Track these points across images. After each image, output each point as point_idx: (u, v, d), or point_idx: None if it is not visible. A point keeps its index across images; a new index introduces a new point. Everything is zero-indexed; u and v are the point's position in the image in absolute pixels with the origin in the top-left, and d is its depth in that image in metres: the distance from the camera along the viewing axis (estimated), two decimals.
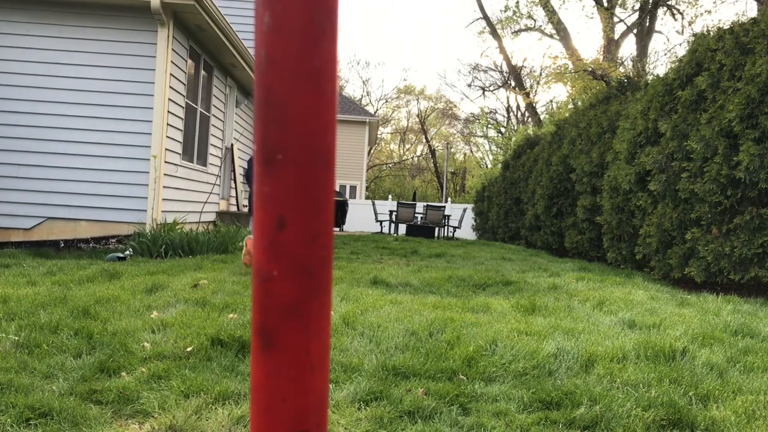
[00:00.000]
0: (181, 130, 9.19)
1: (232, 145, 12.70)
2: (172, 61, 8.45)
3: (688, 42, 10.78)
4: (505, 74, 36.23)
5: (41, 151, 8.26)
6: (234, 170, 12.82)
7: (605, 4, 23.46)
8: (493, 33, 28.28)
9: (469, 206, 23.05)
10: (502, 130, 39.77)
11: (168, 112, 8.43)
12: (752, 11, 21.64)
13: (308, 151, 0.56)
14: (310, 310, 0.57)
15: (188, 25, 9.04)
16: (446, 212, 19.34)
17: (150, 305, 4.27)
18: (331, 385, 2.88)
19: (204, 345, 3.34)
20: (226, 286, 5.02)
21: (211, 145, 11.13)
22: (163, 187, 8.41)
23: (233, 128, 12.89)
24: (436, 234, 17.31)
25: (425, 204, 18.86)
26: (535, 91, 34.16)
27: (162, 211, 8.38)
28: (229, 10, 11.66)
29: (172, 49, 8.48)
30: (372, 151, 43.70)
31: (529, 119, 36.89)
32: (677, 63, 7.58)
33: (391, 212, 18.29)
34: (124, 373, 2.96)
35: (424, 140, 46.43)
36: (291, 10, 0.55)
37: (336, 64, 0.58)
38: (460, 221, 18.55)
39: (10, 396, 2.59)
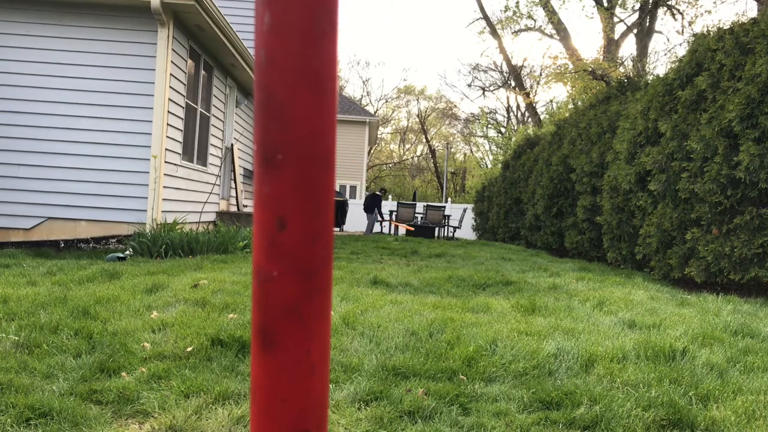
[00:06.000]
0: (181, 130, 9.19)
1: (232, 145, 12.70)
2: (172, 61, 8.45)
3: (688, 42, 10.77)
4: (505, 74, 36.26)
5: (41, 151, 8.25)
6: (234, 170, 12.82)
7: (605, 4, 23.46)
8: (493, 33, 28.28)
9: (469, 206, 23.04)
10: (502, 130, 39.76)
11: (168, 112, 8.43)
12: (752, 11, 21.63)
13: (308, 151, 0.56)
14: (310, 310, 0.57)
15: (188, 25, 9.04)
16: (446, 212, 19.34)
17: (150, 305, 4.27)
18: (331, 385, 2.88)
19: (204, 345, 3.34)
20: (226, 286, 5.02)
21: (211, 145, 11.13)
22: (163, 187, 8.41)
23: (233, 128, 12.89)
24: (436, 234, 17.31)
25: (425, 204, 18.88)
26: (535, 91, 34.16)
27: (162, 211, 8.38)
28: (229, 10, 11.65)
29: (172, 49, 8.47)
30: (372, 151, 43.69)
31: (529, 119, 36.89)
32: (677, 63, 7.58)
33: (391, 212, 18.29)
34: (124, 373, 2.95)
35: (424, 140, 46.43)
36: (291, 10, 0.55)
37: (336, 65, 0.58)
38: (460, 221, 18.55)
39: (10, 396, 2.59)
